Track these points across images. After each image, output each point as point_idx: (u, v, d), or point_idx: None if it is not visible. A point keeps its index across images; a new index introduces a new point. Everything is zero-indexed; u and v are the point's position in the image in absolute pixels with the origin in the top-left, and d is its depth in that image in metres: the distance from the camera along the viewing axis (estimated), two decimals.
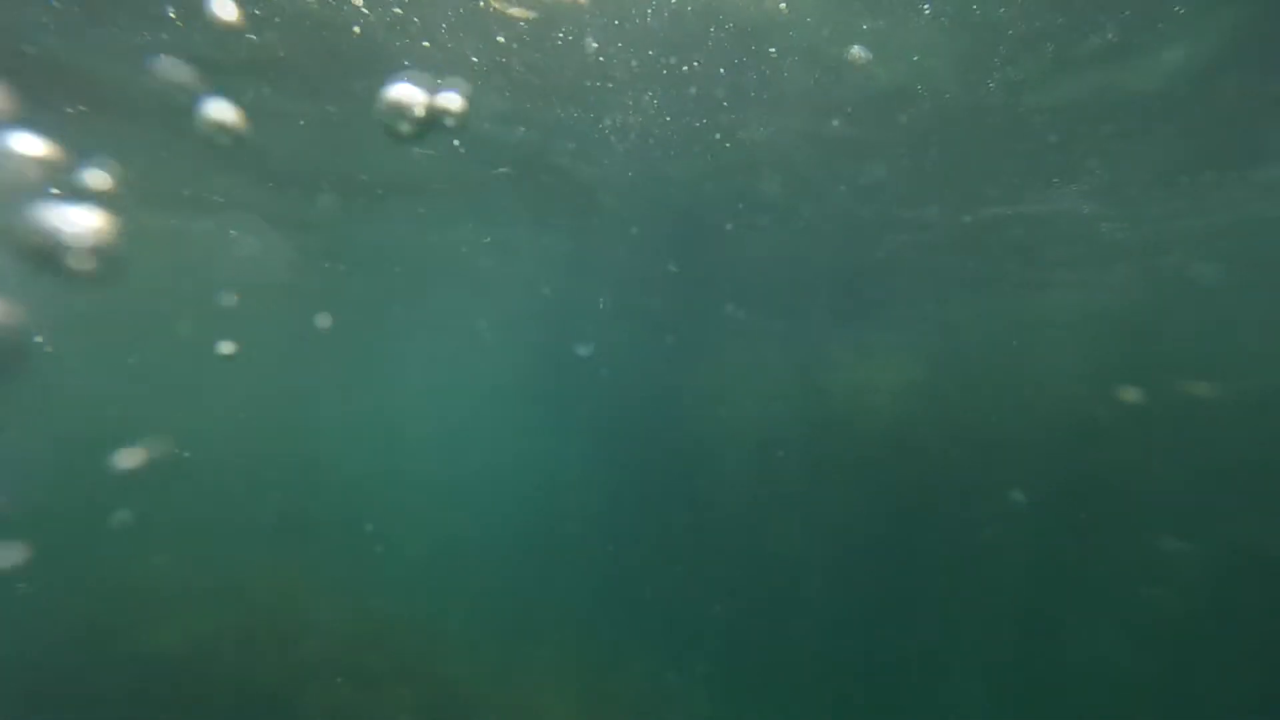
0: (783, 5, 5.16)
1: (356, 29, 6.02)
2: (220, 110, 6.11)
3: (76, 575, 13.26)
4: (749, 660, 14.59)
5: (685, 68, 6.28)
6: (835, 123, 7.06)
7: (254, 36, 6.23)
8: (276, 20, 5.92)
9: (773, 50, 5.74)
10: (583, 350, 17.90)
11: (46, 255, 4.29)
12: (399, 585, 15.56)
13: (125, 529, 16.08)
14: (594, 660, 13.37)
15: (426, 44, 6.34)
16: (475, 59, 6.42)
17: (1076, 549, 14.53)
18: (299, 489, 25.95)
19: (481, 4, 5.47)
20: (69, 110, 7.85)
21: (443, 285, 16.93)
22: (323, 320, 20.98)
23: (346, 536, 20.02)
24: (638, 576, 19.23)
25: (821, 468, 17.74)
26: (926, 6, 4.88)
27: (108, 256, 4.39)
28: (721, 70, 6.24)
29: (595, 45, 6.00)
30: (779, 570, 17.62)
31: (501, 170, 9.22)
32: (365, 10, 5.66)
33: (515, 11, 5.59)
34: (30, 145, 5.63)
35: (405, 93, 4.51)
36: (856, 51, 5.35)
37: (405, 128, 4.55)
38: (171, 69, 6.82)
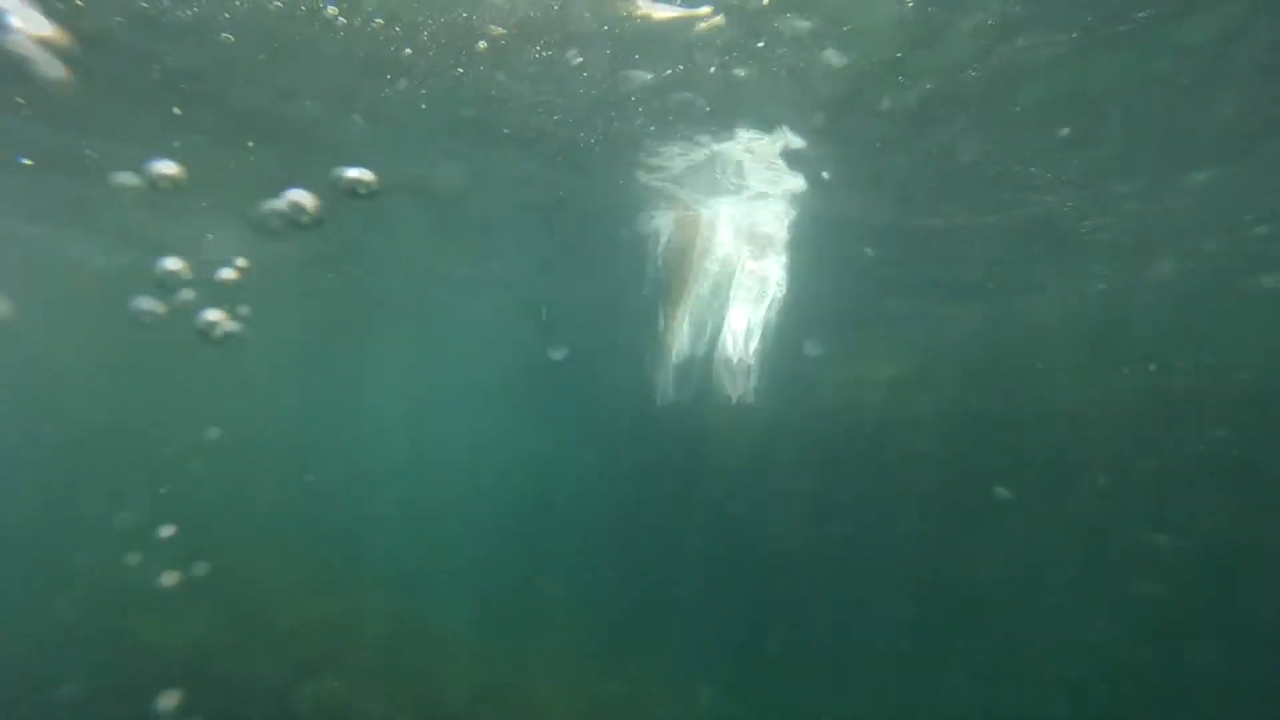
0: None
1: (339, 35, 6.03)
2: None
3: (74, 575, 13.27)
4: (747, 660, 14.66)
5: (669, 71, 6.29)
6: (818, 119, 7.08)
7: (229, 36, 6.20)
8: (250, 24, 5.91)
9: (761, 43, 5.72)
10: (557, 355, 17.92)
11: None
12: (399, 585, 15.55)
13: (124, 529, 16.08)
14: (594, 660, 13.40)
15: (409, 51, 6.35)
16: (460, 70, 6.44)
17: (1066, 541, 14.65)
18: (296, 488, 25.92)
19: (464, 15, 5.48)
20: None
21: (434, 283, 16.89)
22: (319, 319, 20.95)
23: (346, 536, 20.02)
24: (637, 576, 19.26)
25: (806, 463, 17.80)
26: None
27: None
28: (712, 69, 6.24)
29: (580, 59, 6.01)
30: (776, 570, 17.68)
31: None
32: (343, 19, 5.67)
33: (490, 29, 5.60)
34: None
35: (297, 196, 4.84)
36: (830, 55, 5.37)
37: (305, 219, 4.86)
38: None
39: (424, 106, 7.14)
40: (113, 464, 23.79)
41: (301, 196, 4.78)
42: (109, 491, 18.90)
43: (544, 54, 6.10)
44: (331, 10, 5.51)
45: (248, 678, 10.36)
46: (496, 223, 11.41)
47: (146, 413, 26.71)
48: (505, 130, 7.45)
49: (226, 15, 5.77)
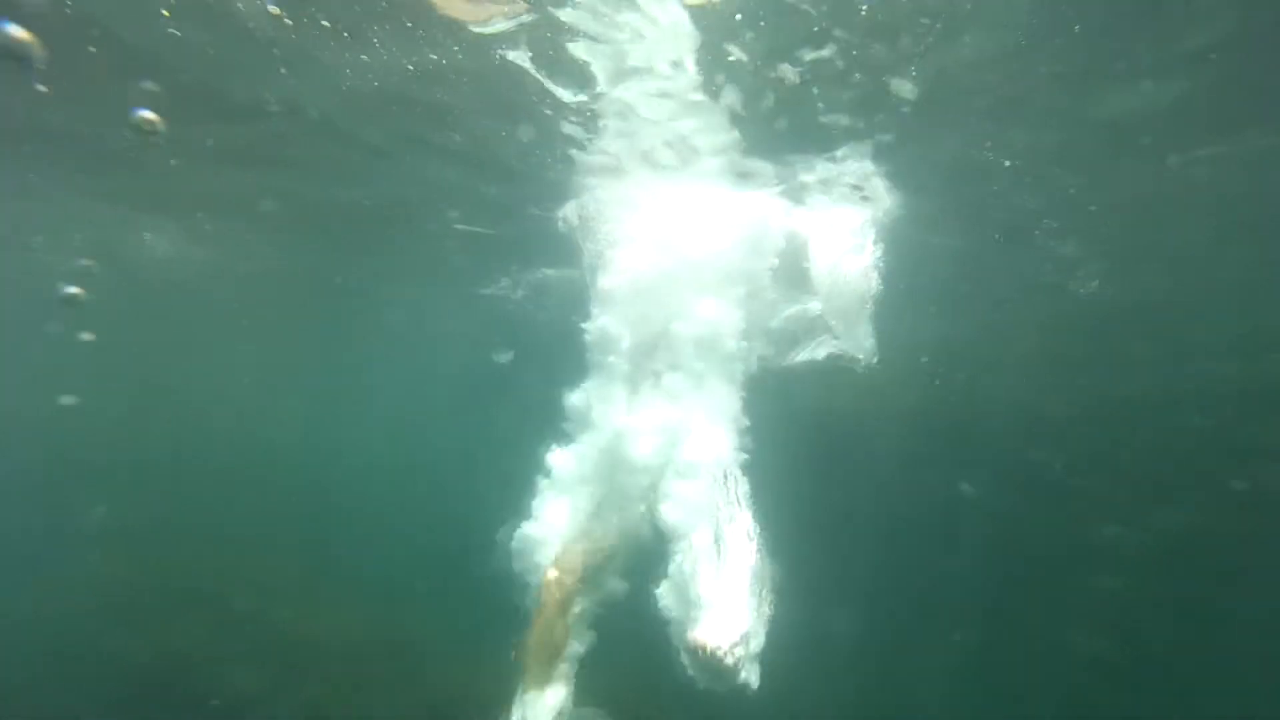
0: None
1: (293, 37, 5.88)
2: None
3: (51, 580, 12.96)
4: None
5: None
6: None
7: (176, 31, 6.03)
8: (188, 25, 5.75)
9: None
10: (502, 358, 17.67)
11: None
12: (383, 591, 15.35)
13: (99, 534, 15.82)
14: (600, 664, 13.20)
15: (365, 58, 6.22)
16: (411, 67, 6.32)
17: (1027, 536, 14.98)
18: (275, 494, 25.56)
19: (409, 25, 5.38)
20: None
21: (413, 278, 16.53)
22: (292, 318, 20.57)
23: (328, 542, 19.76)
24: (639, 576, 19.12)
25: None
26: None
27: None
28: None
29: (530, 54, 5.94)
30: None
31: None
32: (289, 20, 5.53)
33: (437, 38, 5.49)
34: None
35: None
36: (785, 69, 5.36)
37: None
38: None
39: (377, 110, 7.02)
40: (88, 468, 23.31)
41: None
42: (84, 497, 18.50)
43: (500, 56, 6.01)
44: (274, 9, 5.37)
45: (229, 688, 10.11)
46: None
47: (116, 417, 26.17)
48: (457, 137, 7.35)
49: (165, 12, 5.59)
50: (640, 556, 5.95)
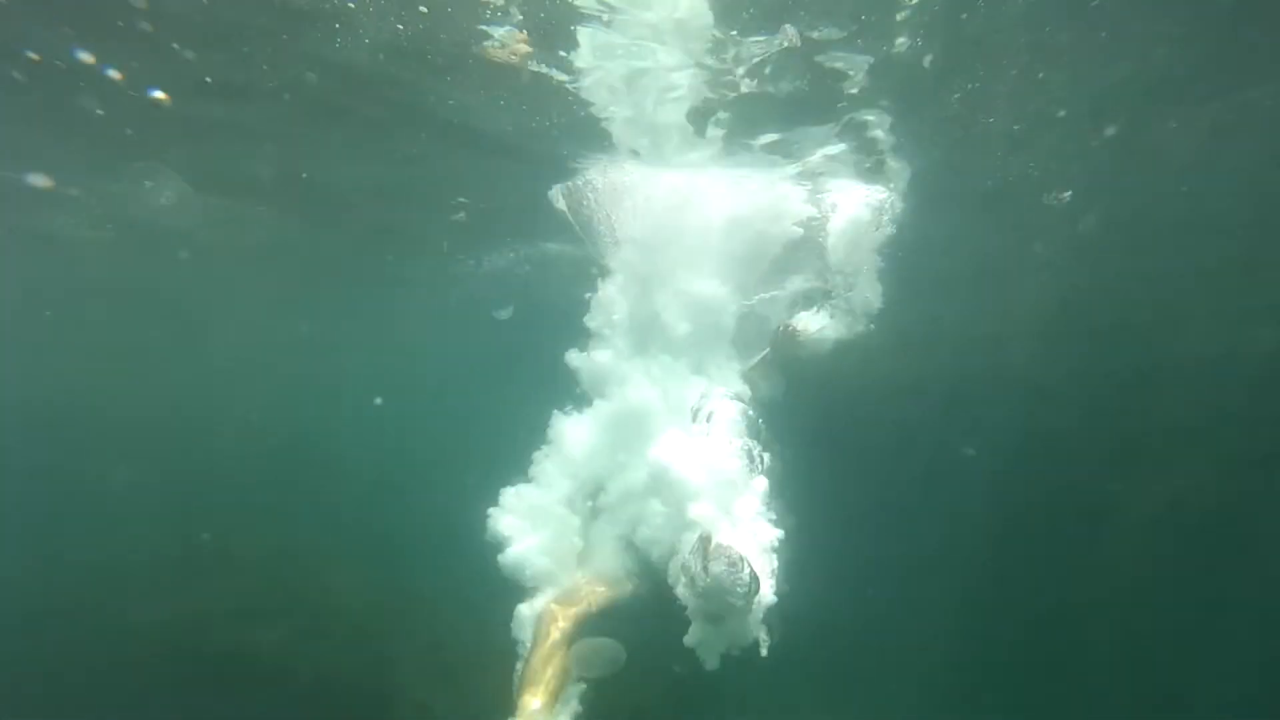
0: None
1: None
2: None
3: (59, 551, 13.09)
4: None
5: None
6: None
7: None
8: None
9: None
10: (502, 315, 17.41)
11: None
12: (390, 551, 15.49)
13: (120, 497, 15.92)
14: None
15: (351, 5, 6.09)
16: (401, 26, 6.21)
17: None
18: (282, 457, 25.76)
19: None
20: None
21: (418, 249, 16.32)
22: (300, 291, 20.47)
23: (335, 504, 19.93)
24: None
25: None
26: None
27: None
28: None
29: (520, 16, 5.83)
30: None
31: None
32: None
33: None
34: None
35: None
36: (789, 30, 5.25)
37: None
38: None
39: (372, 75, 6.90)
40: (93, 437, 23.48)
41: None
42: (89, 467, 18.64)
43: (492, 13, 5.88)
44: None
45: (246, 648, 10.29)
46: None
47: (120, 386, 26.28)
48: (451, 103, 7.23)
49: None
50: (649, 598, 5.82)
